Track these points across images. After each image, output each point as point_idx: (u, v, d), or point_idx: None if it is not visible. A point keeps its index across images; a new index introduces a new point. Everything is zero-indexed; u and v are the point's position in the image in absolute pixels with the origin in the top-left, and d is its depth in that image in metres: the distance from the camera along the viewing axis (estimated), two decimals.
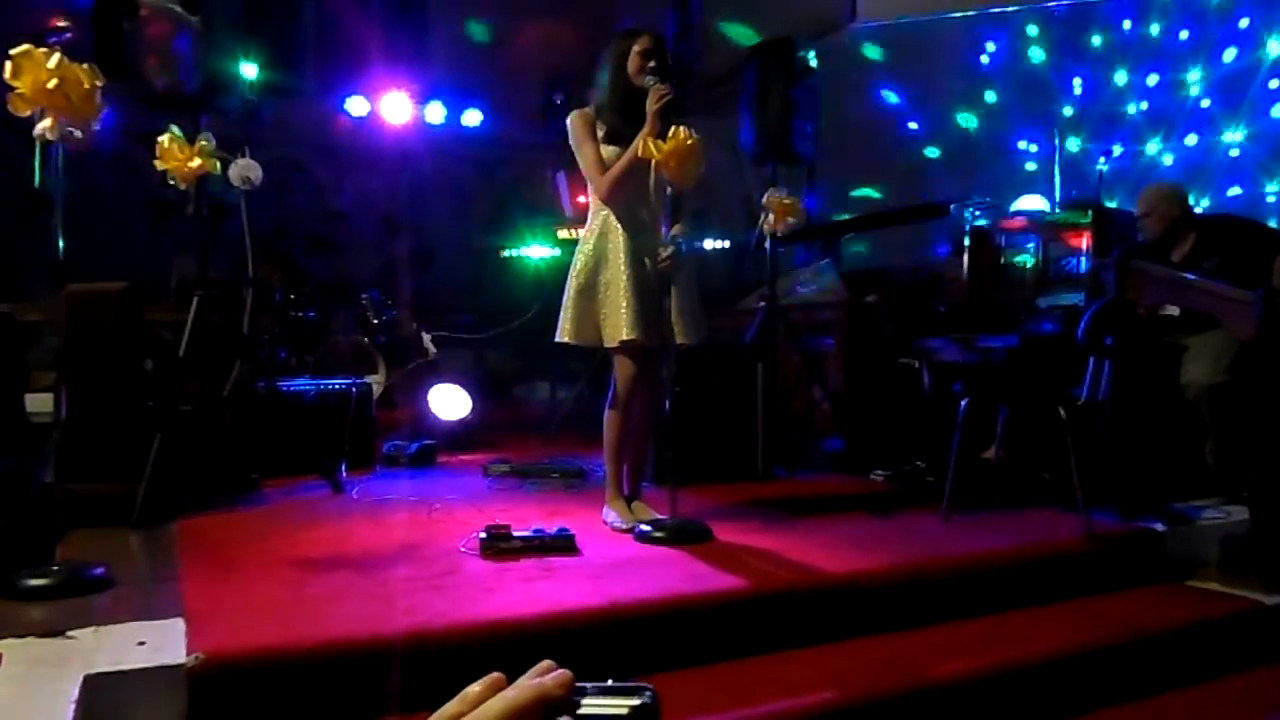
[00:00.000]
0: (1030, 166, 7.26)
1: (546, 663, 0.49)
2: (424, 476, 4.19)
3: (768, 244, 4.36)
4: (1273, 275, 3.45)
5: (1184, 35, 6.62)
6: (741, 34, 7.10)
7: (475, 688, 0.49)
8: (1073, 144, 7.09)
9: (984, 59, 7.41)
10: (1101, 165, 5.14)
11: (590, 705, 0.46)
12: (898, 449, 4.32)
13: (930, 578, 2.68)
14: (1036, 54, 7.41)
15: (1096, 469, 3.19)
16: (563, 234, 6.46)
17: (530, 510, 3.36)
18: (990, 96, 7.42)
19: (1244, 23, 6.27)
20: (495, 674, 0.49)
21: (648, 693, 0.47)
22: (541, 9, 7.59)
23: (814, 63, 4.64)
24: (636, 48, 3.05)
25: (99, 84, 2.33)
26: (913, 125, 7.51)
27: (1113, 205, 5.31)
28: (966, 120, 7.47)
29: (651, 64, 3.01)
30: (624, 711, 0.46)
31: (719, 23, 7.10)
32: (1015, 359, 3.87)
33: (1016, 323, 4.06)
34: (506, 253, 7.07)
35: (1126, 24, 6.94)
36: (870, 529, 3.27)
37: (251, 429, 3.69)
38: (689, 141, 2.85)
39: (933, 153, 7.48)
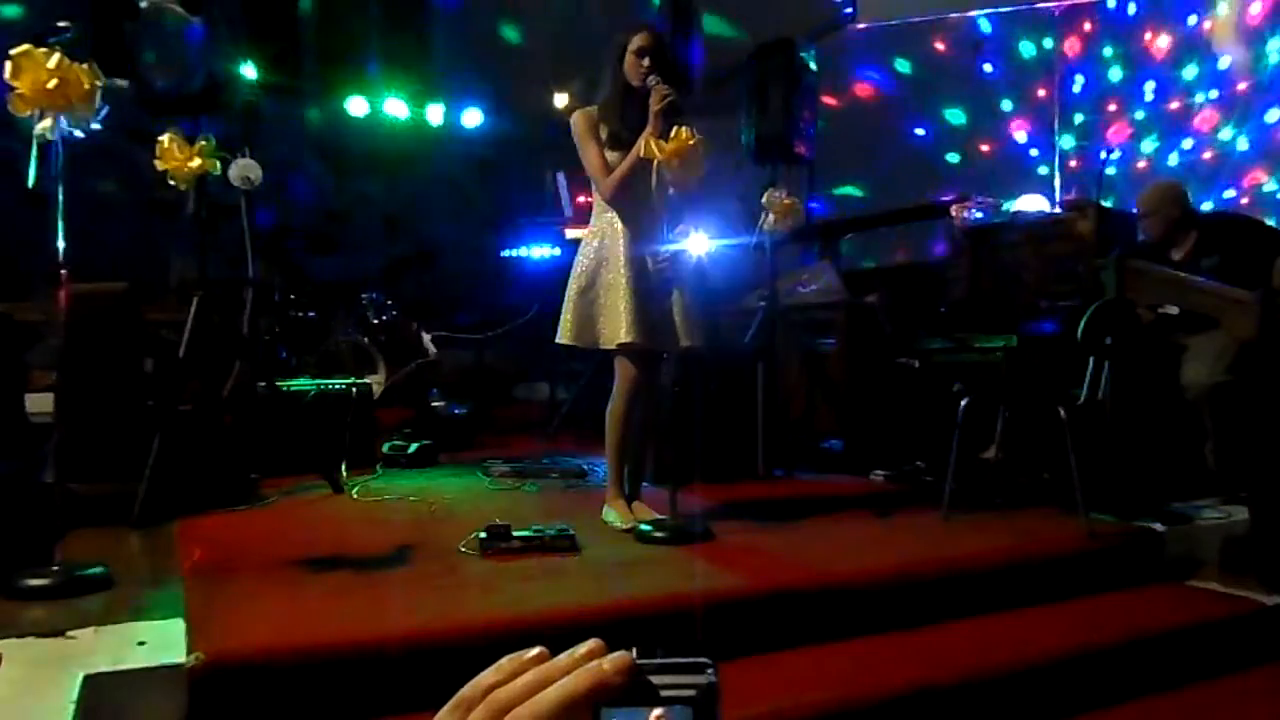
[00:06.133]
0: (1030, 165, 7.27)
1: (598, 642, 0.46)
2: (424, 476, 4.19)
3: (768, 244, 4.36)
4: (1273, 275, 3.45)
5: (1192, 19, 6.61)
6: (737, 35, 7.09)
7: (509, 662, 0.46)
8: (1072, 143, 7.09)
9: (985, 63, 7.41)
10: (1103, 164, 5.14)
11: (654, 686, 0.44)
12: (898, 449, 4.32)
13: (930, 578, 2.68)
14: (1036, 53, 7.41)
15: (1096, 469, 3.19)
16: (570, 233, 6.44)
17: (530, 510, 3.36)
18: (990, 96, 7.42)
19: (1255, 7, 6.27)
20: (539, 648, 0.46)
21: (710, 669, 0.44)
22: (543, 7, 7.60)
23: (814, 63, 4.62)
24: (632, 46, 3.05)
25: (99, 84, 2.33)
26: (913, 126, 7.51)
27: (1112, 205, 5.31)
28: (966, 120, 7.47)
29: (646, 62, 3.01)
30: (691, 693, 0.44)
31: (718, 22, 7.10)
32: (1015, 359, 3.87)
33: (1016, 323, 4.06)
34: (506, 253, 7.07)
35: (1132, 6, 6.92)
36: (870, 529, 3.27)
37: (251, 429, 3.69)
38: (691, 142, 2.85)
39: (932, 152, 7.48)
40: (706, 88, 6.68)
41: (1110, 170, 6.23)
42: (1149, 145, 6.79)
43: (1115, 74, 7.07)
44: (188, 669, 1.80)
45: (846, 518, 3.42)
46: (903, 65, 7.50)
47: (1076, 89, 7.24)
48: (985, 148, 7.41)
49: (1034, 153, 7.32)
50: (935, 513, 3.32)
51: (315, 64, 7.36)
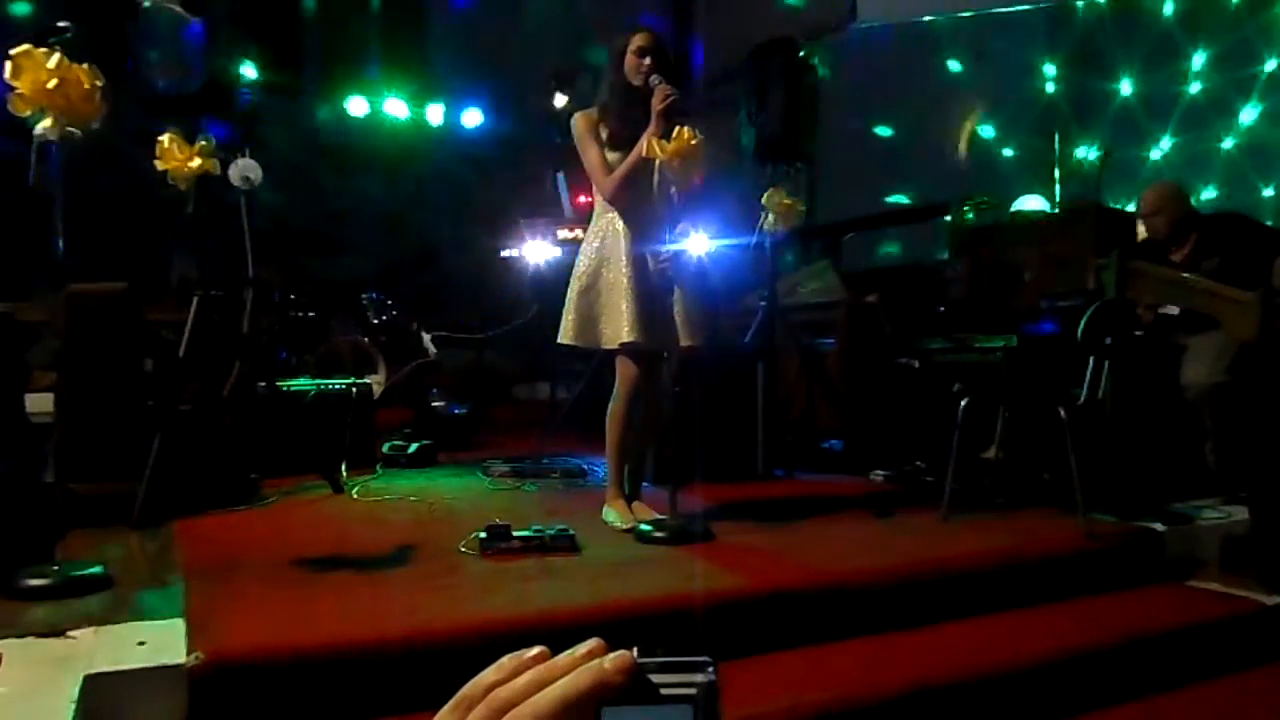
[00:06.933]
0: (1029, 167, 7.26)
1: (598, 642, 0.46)
2: (424, 476, 4.19)
3: (768, 244, 4.36)
4: (1273, 275, 3.45)
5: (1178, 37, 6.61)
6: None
7: (509, 661, 0.46)
8: (1073, 144, 7.09)
9: (984, 59, 7.40)
10: (1101, 164, 5.14)
11: (654, 685, 0.44)
12: (898, 449, 4.32)
13: (929, 578, 2.68)
14: (1036, 53, 7.41)
15: (1096, 469, 3.19)
16: (563, 234, 6.45)
17: (530, 510, 3.36)
18: (990, 96, 7.42)
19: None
20: (540, 647, 0.46)
21: (710, 667, 0.44)
22: (543, 8, 7.60)
23: (814, 63, 4.63)
24: (632, 46, 3.05)
25: (99, 84, 2.33)
26: (913, 125, 7.51)
27: (1113, 205, 5.32)
28: (966, 120, 7.46)
29: (647, 61, 3.01)
30: (691, 692, 0.44)
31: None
32: (1015, 359, 3.87)
33: (1016, 323, 4.06)
34: (506, 253, 7.07)
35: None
36: (870, 529, 3.27)
37: (251, 429, 3.69)
38: (693, 142, 2.85)
39: (933, 152, 7.48)
40: (706, 88, 6.69)
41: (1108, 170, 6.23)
42: (1148, 145, 6.80)
43: (1116, 73, 7.06)
44: (188, 669, 1.80)
45: (846, 518, 3.41)
46: (903, 64, 7.49)
47: (1079, 89, 7.23)
48: (986, 148, 7.41)
49: (1033, 149, 7.32)
50: (935, 513, 3.32)
51: (315, 64, 7.36)
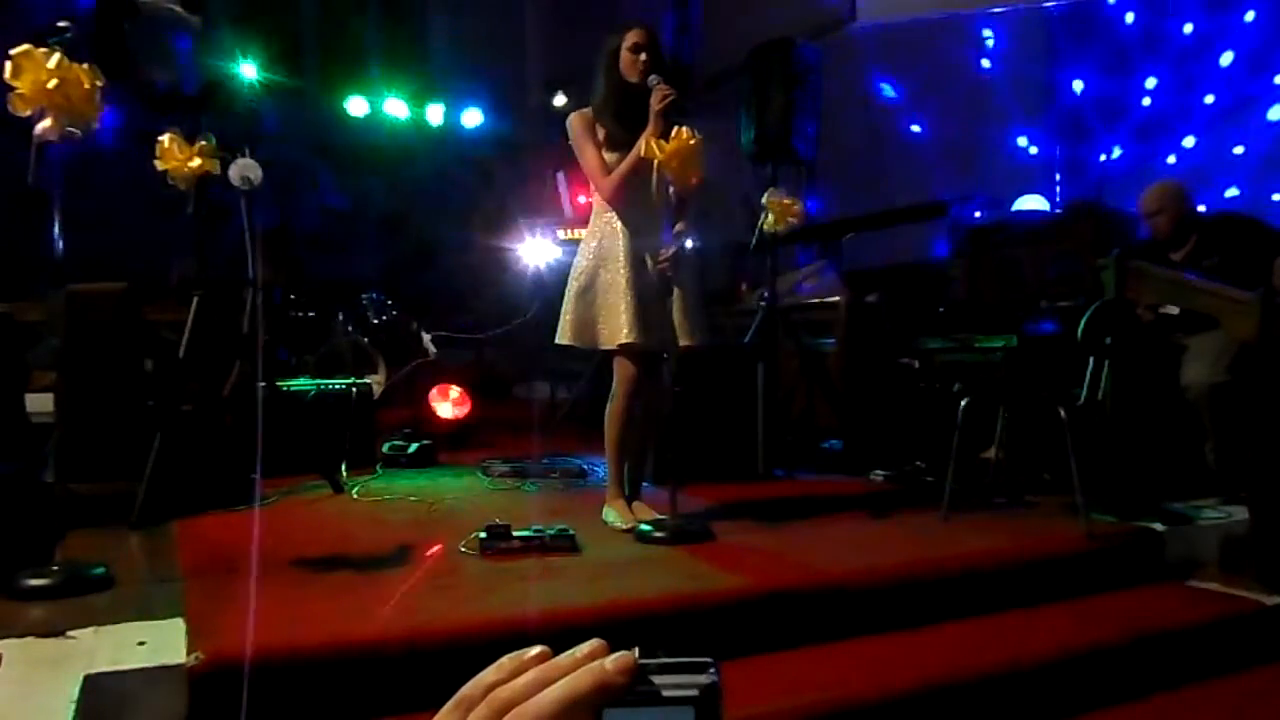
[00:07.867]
0: (1030, 167, 7.26)
1: (600, 643, 0.46)
2: (424, 476, 4.19)
3: (768, 244, 4.36)
4: (1273, 275, 3.45)
5: (1188, 28, 6.61)
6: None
7: (510, 661, 0.46)
8: (1073, 144, 7.09)
9: (984, 60, 7.41)
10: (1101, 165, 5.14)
11: (656, 686, 0.44)
12: (898, 449, 4.31)
13: (929, 578, 2.68)
14: (1037, 53, 7.41)
15: (1096, 469, 3.19)
16: (563, 234, 6.45)
17: (530, 510, 3.36)
18: (990, 96, 7.41)
19: (1250, 15, 6.26)
20: (541, 647, 0.46)
21: (712, 668, 0.44)
22: (542, 8, 7.61)
23: (814, 62, 4.62)
24: (627, 43, 3.04)
25: (99, 84, 2.33)
26: (914, 127, 7.51)
27: (1113, 205, 5.31)
28: (967, 120, 7.46)
29: (643, 58, 3.00)
30: (693, 693, 0.44)
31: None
32: (1015, 359, 3.87)
33: (1016, 323, 4.06)
34: (506, 253, 7.07)
35: (1130, 15, 6.92)
36: (870, 529, 3.26)
37: (251, 429, 3.68)
38: (691, 142, 2.84)
39: (932, 152, 7.47)
40: (706, 88, 6.69)
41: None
42: (1147, 146, 6.79)
43: (1114, 74, 7.06)
44: (188, 669, 1.80)
45: (846, 518, 3.41)
46: (903, 64, 7.50)
47: (1078, 89, 7.24)
48: (986, 148, 7.41)
49: (1033, 150, 7.32)
50: (935, 513, 3.31)
51: (315, 64, 7.37)
